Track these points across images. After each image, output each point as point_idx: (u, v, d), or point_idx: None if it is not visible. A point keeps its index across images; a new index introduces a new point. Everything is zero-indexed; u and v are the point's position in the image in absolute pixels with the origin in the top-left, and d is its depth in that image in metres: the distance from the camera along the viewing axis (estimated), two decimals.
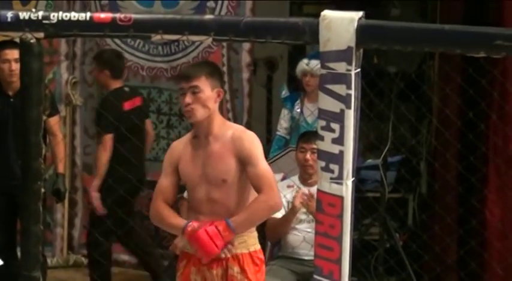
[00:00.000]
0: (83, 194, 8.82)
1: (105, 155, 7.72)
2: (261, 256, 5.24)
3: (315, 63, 7.18)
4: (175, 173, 5.19)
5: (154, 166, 8.38)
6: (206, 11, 8.22)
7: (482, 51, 5.10)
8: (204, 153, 5.09)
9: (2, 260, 7.21)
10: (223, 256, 5.06)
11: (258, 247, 5.20)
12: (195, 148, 5.14)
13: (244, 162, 5.07)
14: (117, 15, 5.97)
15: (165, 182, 5.22)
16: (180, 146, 5.23)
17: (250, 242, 5.17)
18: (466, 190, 7.54)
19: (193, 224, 5.05)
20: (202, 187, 5.10)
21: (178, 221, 5.15)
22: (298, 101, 7.68)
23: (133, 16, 5.81)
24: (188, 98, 5.02)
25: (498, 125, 7.43)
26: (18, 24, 5.66)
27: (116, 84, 7.83)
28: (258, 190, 5.12)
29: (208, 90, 5.08)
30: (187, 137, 5.27)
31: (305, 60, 7.65)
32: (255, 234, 5.23)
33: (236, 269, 5.11)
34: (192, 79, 5.07)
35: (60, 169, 7.41)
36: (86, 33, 6.31)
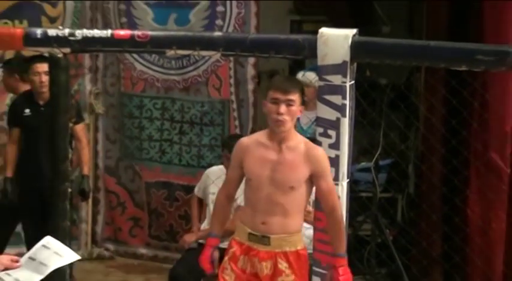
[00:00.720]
0: (105, 194, 9.01)
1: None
2: (305, 253, 5.26)
3: (310, 76, 7.37)
4: (240, 167, 5.27)
5: (170, 168, 8.71)
6: (215, 29, 8.30)
7: (464, 65, 5.45)
8: (276, 158, 5.15)
9: None
10: None
11: (303, 245, 5.26)
12: (265, 149, 5.19)
13: (316, 175, 5.18)
14: (136, 32, 6.24)
15: (231, 174, 5.40)
16: (248, 143, 5.29)
17: (297, 242, 5.24)
18: (450, 190, 7.65)
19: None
20: (267, 188, 5.14)
21: (210, 228, 5.55)
22: None
23: (150, 33, 6.12)
24: (283, 109, 5.05)
25: (478, 132, 7.39)
26: (47, 40, 5.90)
27: (25, 87, 7.80)
28: (329, 204, 5.27)
29: (297, 105, 5.13)
30: (256, 136, 5.35)
31: (301, 73, 7.71)
32: (301, 234, 5.30)
33: (285, 264, 5.18)
34: (289, 93, 5.09)
35: (85, 170, 7.55)
36: (108, 48, 6.57)
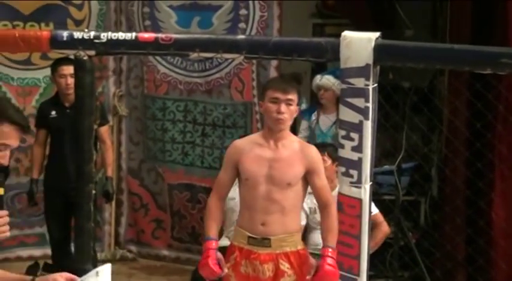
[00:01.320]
0: (128, 196, 8.98)
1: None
2: (306, 252, 5.32)
3: (330, 79, 7.46)
4: (234, 169, 5.28)
5: (193, 170, 8.66)
6: (238, 32, 8.29)
7: (489, 68, 5.41)
8: (272, 156, 5.21)
9: (59, 254, 7.42)
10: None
11: (303, 245, 5.36)
12: (261, 148, 5.24)
13: (311, 172, 5.24)
14: (160, 35, 6.29)
15: (223, 177, 5.35)
16: (243, 145, 5.34)
17: (297, 242, 5.29)
18: (474, 193, 7.53)
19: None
20: (265, 186, 5.18)
21: (208, 232, 5.30)
22: (314, 113, 7.78)
23: (174, 36, 6.12)
24: (283, 108, 5.12)
25: (503, 134, 7.37)
26: (72, 43, 5.93)
27: None
28: (322, 200, 5.34)
29: (295, 105, 5.22)
30: (251, 138, 5.44)
31: (318, 77, 7.76)
32: (300, 234, 5.40)
33: (286, 265, 5.19)
34: (289, 92, 5.17)
35: (109, 172, 7.58)
36: (132, 51, 6.59)
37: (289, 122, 5.23)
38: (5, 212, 3.39)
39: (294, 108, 5.18)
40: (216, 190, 5.38)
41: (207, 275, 5.27)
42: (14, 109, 3.51)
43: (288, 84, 5.32)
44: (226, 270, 5.23)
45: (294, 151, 5.23)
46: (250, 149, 5.26)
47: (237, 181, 5.46)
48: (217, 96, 8.54)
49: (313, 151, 5.35)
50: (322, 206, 5.34)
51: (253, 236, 5.20)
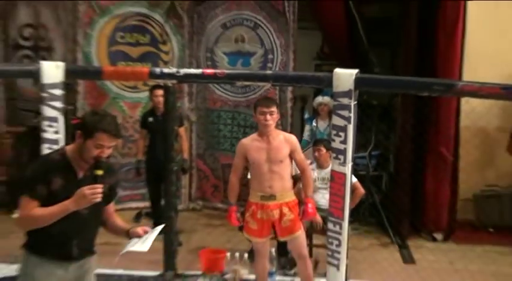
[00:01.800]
0: (196, 171, 8.80)
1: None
2: (296, 201, 5.33)
3: (326, 99, 7.39)
4: (244, 158, 5.26)
5: None
6: (267, 69, 8.19)
7: (426, 92, 5.36)
8: (267, 145, 5.20)
9: (154, 206, 7.40)
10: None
11: (294, 197, 5.33)
12: (259, 142, 5.22)
13: (292, 151, 5.27)
14: (217, 70, 6.26)
15: (238, 163, 5.33)
16: (247, 142, 5.29)
17: (291, 195, 5.30)
18: (415, 170, 7.55)
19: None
20: (266, 165, 5.18)
21: (230, 200, 5.34)
22: (314, 120, 7.59)
23: (226, 71, 6.13)
24: (268, 117, 5.15)
25: (434, 134, 7.43)
26: (162, 75, 5.96)
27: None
28: (302, 167, 5.41)
29: (276, 114, 5.22)
30: (251, 137, 5.34)
31: (319, 97, 7.60)
32: (292, 190, 5.39)
33: (286, 209, 5.21)
34: (271, 106, 5.20)
35: (185, 155, 7.45)
36: (199, 80, 6.62)
37: (273, 124, 5.22)
38: (100, 186, 3.31)
39: (275, 116, 5.21)
40: (234, 172, 5.34)
41: (231, 224, 5.37)
42: (108, 122, 3.39)
43: (269, 101, 5.33)
44: (241, 223, 5.34)
45: (280, 140, 5.23)
46: (252, 144, 5.25)
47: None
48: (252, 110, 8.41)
49: (292, 137, 5.38)
50: (302, 171, 5.40)
51: (264, 195, 5.20)
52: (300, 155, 5.34)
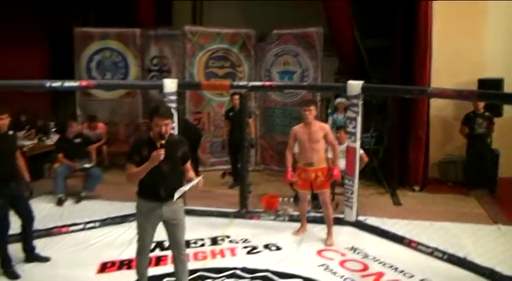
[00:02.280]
0: (260, 145, 8.53)
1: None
2: (327, 167, 5.12)
3: (342, 99, 7.09)
4: (294, 138, 5.13)
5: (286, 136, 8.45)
6: (304, 81, 7.88)
7: (408, 95, 5.15)
8: (309, 130, 5.05)
9: (233, 168, 7.29)
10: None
11: (326, 165, 5.13)
12: (304, 129, 5.08)
13: (326, 134, 5.08)
14: (272, 83, 6.14)
15: (291, 142, 5.16)
16: (297, 128, 5.13)
17: (323, 163, 5.13)
18: (403, 146, 7.25)
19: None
20: (308, 143, 5.05)
21: (288, 165, 5.15)
22: (335, 113, 7.33)
23: (278, 83, 6.08)
24: (307, 113, 5.03)
25: (413, 122, 7.11)
26: (237, 87, 6.00)
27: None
28: (332, 145, 5.19)
29: (314, 110, 5.05)
30: (299, 125, 5.14)
31: (338, 99, 7.25)
32: (325, 160, 5.18)
33: (320, 173, 5.09)
34: (310, 106, 5.06)
35: (253, 136, 7.37)
36: (261, 89, 6.56)
37: (312, 117, 5.01)
38: (162, 150, 3.38)
39: (313, 112, 5.02)
40: (289, 148, 5.17)
41: (287, 180, 5.24)
42: (159, 109, 3.46)
43: (310, 102, 5.13)
44: (295, 178, 5.19)
45: (317, 127, 5.05)
46: (299, 129, 5.10)
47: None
48: (295, 107, 8.23)
49: (325, 125, 5.20)
50: (331, 146, 5.21)
51: (306, 162, 5.09)
52: (330, 136, 5.14)
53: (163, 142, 3.44)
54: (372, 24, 7.97)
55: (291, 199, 6.34)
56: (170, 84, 5.72)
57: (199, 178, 3.55)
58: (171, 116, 3.52)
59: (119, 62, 8.43)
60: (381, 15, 7.75)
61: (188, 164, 3.68)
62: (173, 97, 5.76)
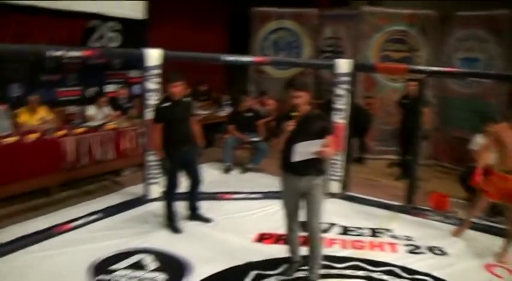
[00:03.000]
0: (434, 138, 7.70)
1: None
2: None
3: None
4: (498, 139, 4.25)
5: (465, 130, 7.59)
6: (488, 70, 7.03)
7: None
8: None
9: (403, 161, 6.79)
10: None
11: None
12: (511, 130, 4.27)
13: None
14: (453, 69, 5.53)
15: (490, 144, 4.39)
16: (501, 127, 4.27)
17: None
18: None
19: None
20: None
21: (482, 165, 4.38)
22: None
23: (461, 70, 5.42)
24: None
25: None
26: (417, 71, 5.43)
27: None
28: None
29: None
30: (503, 124, 4.29)
31: None
32: None
33: None
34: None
35: (427, 127, 6.37)
36: (440, 75, 5.88)
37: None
38: (292, 122, 3.48)
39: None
40: (484, 147, 4.46)
41: (473, 182, 4.51)
42: (293, 82, 3.57)
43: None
44: (484, 184, 4.44)
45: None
46: (505, 129, 4.21)
47: None
48: (478, 99, 7.38)
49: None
50: None
51: (509, 169, 4.26)
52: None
53: (294, 113, 3.49)
54: None
55: (464, 202, 5.77)
56: (344, 65, 5.63)
57: (322, 140, 3.44)
58: (304, 89, 3.53)
59: (293, 42, 8.59)
60: None
61: (327, 139, 3.50)
62: (346, 78, 5.66)
